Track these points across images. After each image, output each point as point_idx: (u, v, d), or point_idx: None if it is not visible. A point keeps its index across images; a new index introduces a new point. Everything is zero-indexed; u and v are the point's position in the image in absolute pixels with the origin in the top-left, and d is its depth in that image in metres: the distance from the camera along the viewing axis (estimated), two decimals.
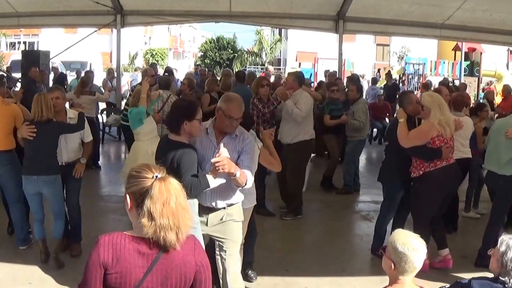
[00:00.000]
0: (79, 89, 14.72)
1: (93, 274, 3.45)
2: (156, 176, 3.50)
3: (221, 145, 5.72)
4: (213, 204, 6.19)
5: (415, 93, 15.47)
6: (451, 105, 10.01)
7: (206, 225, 6.24)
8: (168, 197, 3.43)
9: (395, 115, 8.95)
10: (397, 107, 10.21)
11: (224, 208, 6.26)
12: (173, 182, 3.52)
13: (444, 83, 17.28)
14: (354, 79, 18.20)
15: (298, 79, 11.62)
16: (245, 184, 5.92)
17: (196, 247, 3.65)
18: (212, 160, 5.52)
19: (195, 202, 6.01)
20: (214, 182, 5.81)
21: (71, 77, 27.11)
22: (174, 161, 5.74)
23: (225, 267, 6.30)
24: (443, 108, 8.21)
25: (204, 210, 6.22)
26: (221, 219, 6.28)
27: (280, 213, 11.35)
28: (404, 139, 8.18)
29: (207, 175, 5.67)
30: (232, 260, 6.36)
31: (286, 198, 11.55)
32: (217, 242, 6.39)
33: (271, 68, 32.89)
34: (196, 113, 5.93)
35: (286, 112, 11.06)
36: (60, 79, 21.20)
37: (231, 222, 6.34)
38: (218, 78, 18.94)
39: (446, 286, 4.98)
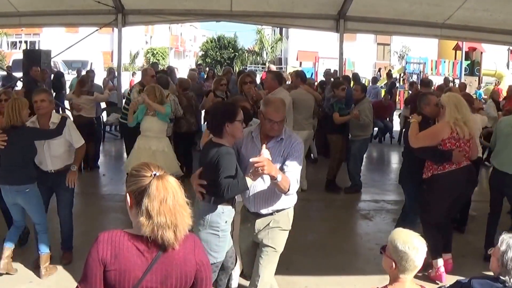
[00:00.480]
0: (78, 88, 14.44)
1: (93, 271, 3.47)
2: (155, 174, 3.51)
3: (263, 146, 5.67)
4: (257, 210, 6.14)
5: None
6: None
7: (253, 230, 6.23)
8: (165, 195, 3.44)
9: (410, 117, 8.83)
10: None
11: (271, 214, 6.18)
12: (171, 180, 3.53)
13: (424, 81, 17.21)
14: (357, 79, 18.26)
15: (277, 77, 11.63)
16: (288, 189, 5.76)
17: (196, 245, 3.66)
18: (251, 160, 5.44)
19: (230, 210, 6.06)
20: (257, 184, 5.87)
21: (72, 75, 27.14)
22: (213, 162, 5.73)
23: (259, 273, 6.17)
24: (460, 107, 8.00)
25: (251, 215, 6.23)
26: (268, 224, 6.20)
27: None
28: (413, 138, 8.13)
29: (246, 177, 5.64)
30: (268, 268, 6.25)
31: None
32: (259, 246, 6.32)
33: (273, 67, 32.86)
34: (237, 114, 5.88)
35: None
36: (57, 77, 21.21)
37: (277, 229, 6.25)
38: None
39: (446, 285, 4.98)
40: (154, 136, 10.45)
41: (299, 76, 13.66)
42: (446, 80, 26.45)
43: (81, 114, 14.00)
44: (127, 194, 3.57)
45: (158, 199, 3.43)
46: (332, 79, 17.44)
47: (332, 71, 22.03)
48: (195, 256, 3.62)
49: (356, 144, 13.27)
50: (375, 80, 28.02)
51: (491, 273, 4.90)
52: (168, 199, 3.44)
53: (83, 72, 21.70)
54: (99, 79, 21.96)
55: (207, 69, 33.64)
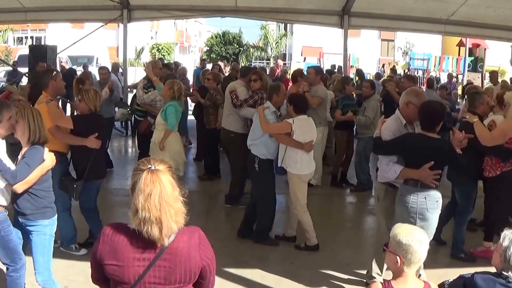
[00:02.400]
0: (76, 87, 12.91)
1: (92, 263, 3.62)
2: (149, 168, 3.49)
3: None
4: None
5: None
6: (497, 104, 9.90)
7: None
8: (151, 189, 3.43)
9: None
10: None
11: None
12: (162, 176, 3.49)
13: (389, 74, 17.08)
14: (361, 75, 18.24)
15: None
16: None
17: (201, 241, 3.65)
18: (463, 135, 6.95)
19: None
20: None
21: (79, 71, 27.15)
22: (444, 153, 6.80)
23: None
24: None
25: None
26: None
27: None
28: (489, 138, 7.99)
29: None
30: None
31: None
32: None
33: (280, 62, 33.01)
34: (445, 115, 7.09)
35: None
36: (70, 74, 21.20)
37: None
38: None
39: (449, 280, 4.99)
40: (163, 129, 10.59)
41: (320, 73, 13.65)
42: (449, 76, 26.47)
43: None
44: (130, 189, 3.59)
45: (145, 194, 3.42)
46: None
47: (336, 66, 22.03)
48: (200, 252, 3.61)
49: (361, 143, 13.11)
50: (378, 75, 27.99)
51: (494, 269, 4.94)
52: (153, 194, 3.42)
53: (91, 67, 21.59)
54: None
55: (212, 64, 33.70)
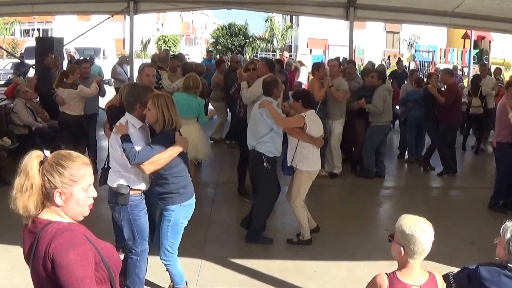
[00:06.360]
0: (59, 80, 12.76)
1: None
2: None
3: None
4: None
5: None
6: None
7: None
8: (18, 171, 3.40)
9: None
10: None
11: None
12: (28, 160, 3.41)
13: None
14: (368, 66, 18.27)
15: (268, 64, 11.58)
16: None
17: (54, 238, 3.32)
18: None
19: None
20: None
21: None
22: None
23: None
24: None
25: None
26: None
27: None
28: None
29: None
30: None
31: None
32: None
33: (286, 54, 33.03)
34: None
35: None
36: None
37: None
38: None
39: (454, 272, 5.02)
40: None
41: (341, 66, 13.79)
42: (454, 68, 26.45)
43: (64, 111, 12.66)
44: None
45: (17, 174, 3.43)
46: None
47: (341, 58, 22.01)
48: (47, 247, 3.28)
49: (369, 130, 13.49)
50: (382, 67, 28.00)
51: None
52: (16, 176, 3.40)
53: (96, 60, 21.63)
54: (110, 67, 22.17)
55: (218, 56, 33.80)
